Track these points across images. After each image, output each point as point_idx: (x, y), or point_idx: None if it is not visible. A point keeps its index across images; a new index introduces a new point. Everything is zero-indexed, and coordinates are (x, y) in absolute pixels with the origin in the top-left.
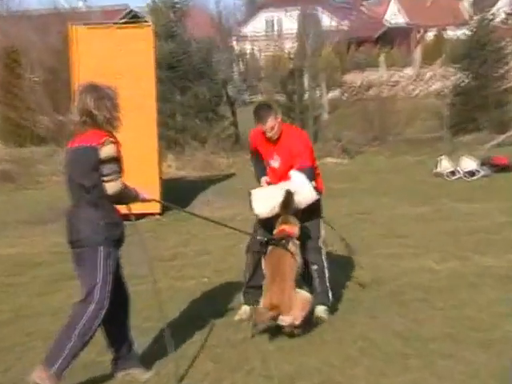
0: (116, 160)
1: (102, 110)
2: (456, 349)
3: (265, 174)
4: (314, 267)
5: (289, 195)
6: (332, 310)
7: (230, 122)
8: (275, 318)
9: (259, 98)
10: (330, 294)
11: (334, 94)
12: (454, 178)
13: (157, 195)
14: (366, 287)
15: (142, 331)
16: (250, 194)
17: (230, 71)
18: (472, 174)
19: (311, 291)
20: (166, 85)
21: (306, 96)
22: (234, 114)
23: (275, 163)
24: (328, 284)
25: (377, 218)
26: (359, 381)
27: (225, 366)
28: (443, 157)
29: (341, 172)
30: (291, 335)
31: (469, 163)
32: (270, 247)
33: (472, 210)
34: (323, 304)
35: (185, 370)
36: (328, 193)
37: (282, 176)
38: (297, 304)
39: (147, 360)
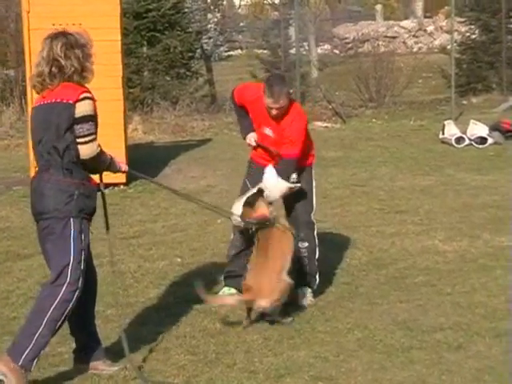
0: (93, 119)
1: (70, 59)
2: (466, 340)
3: (252, 130)
4: (305, 244)
5: (260, 192)
6: (325, 296)
7: (205, 80)
8: (248, 303)
9: (238, 52)
10: (318, 277)
11: (324, 48)
12: (461, 145)
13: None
14: (363, 270)
15: (105, 319)
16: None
17: (204, 21)
18: (482, 140)
19: (296, 270)
20: (132, 36)
21: (293, 51)
22: (209, 70)
23: (268, 132)
24: (316, 265)
25: (374, 191)
26: (356, 376)
27: (202, 359)
28: (449, 121)
29: (332, 138)
30: (271, 322)
31: (478, 128)
32: (259, 233)
33: (482, 182)
34: (309, 285)
35: (156, 363)
36: (318, 162)
37: (272, 144)
38: (277, 288)
39: (113, 352)
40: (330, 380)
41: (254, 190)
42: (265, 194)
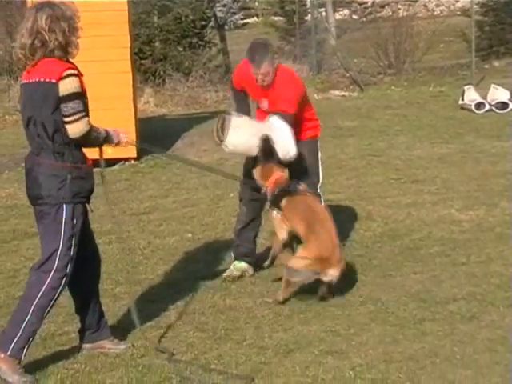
0: (79, 96)
1: (54, 33)
2: (480, 310)
3: (247, 114)
4: None
5: (266, 141)
6: None
7: (219, 50)
8: (318, 273)
9: (254, 20)
10: None
11: (343, 14)
12: (481, 111)
13: (133, 138)
14: (377, 242)
15: (113, 297)
16: (223, 119)
17: None
18: (503, 105)
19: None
20: (142, 5)
21: (309, 17)
22: (223, 39)
23: (264, 106)
24: None
25: (391, 161)
26: (367, 350)
27: (211, 336)
28: (469, 86)
29: (349, 107)
30: (322, 299)
31: (499, 93)
32: (284, 200)
33: (502, 148)
34: None
35: (164, 340)
36: (334, 131)
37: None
38: (341, 256)
39: (120, 330)
40: (341, 354)
41: (260, 143)
42: (277, 147)
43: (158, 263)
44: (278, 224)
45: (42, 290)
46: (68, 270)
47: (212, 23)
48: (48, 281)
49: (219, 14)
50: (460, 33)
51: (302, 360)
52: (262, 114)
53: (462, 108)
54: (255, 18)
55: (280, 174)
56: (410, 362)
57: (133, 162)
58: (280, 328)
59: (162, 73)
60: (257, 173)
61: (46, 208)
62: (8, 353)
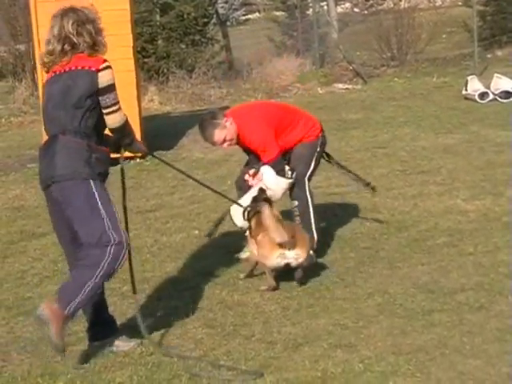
0: (114, 88)
1: (82, 35)
2: (488, 300)
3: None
4: (295, 203)
5: (261, 192)
6: (344, 261)
7: (222, 46)
8: (284, 256)
9: (256, 15)
10: (316, 235)
11: (345, 7)
12: (485, 100)
13: (138, 136)
14: (384, 234)
15: (121, 295)
16: (229, 212)
17: None
18: (506, 94)
19: None
20: (144, 4)
21: (310, 11)
22: (225, 35)
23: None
24: (313, 223)
25: (396, 152)
26: (375, 342)
27: (219, 332)
28: (472, 76)
29: (353, 100)
30: (302, 283)
31: (502, 82)
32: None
33: (507, 137)
34: None
35: (173, 337)
36: (339, 124)
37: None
38: (304, 239)
39: (129, 328)
40: (350, 347)
41: (255, 192)
42: (268, 193)
43: (165, 260)
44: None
45: (107, 260)
46: (125, 241)
47: (214, 20)
48: (111, 253)
49: (221, 11)
50: (462, 23)
51: (311, 354)
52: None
53: (466, 98)
54: (257, 14)
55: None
56: (419, 354)
57: (138, 160)
58: (288, 322)
59: (165, 70)
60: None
61: (69, 185)
62: (66, 311)
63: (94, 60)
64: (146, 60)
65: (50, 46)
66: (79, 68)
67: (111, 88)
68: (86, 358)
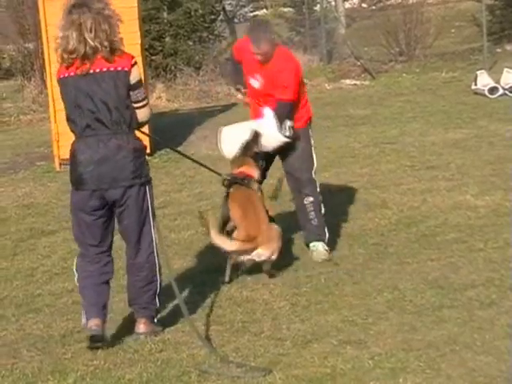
0: (142, 83)
1: (99, 38)
2: (498, 296)
3: (241, 82)
4: (310, 199)
5: (255, 137)
6: (353, 258)
7: (229, 43)
8: (250, 252)
9: (263, 12)
10: (327, 230)
11: (352, 3)
12: (494, 95)
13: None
14: (393, 229)
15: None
16: (219, 132)
17: None
18: None
19: (304, 227)
20: (151, 1)
21: (318, 7)
22: (232, 32)
23: (255, 83)
24: (324, 220)
25: (405, 148)
26: (385, 338)
27: (228, 329)
28: (482, 71)
29: (361, 95)
30: (271, 276)
31: None
32: (232, 188)
33: None
34: (320, 239)
35: (181, 334)
36: (347, 120)
37: (259, 97)
38: (273, 235)
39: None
40: (359, 344)
41: (249, 133)
42: (259, 140)
43: (173, 257)
44: (223, 201)
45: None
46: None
47: (221, 17)
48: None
49: (228, 8)
50: (471, 17)
51: (320, 351)
52: (252, 91)
53: (475, 93)
54: (264, 10)
55: (248, 169)
56: (429, 350)
57: (146, 157)
58: (297, 319)
59: (172, 68)
60: (232, 160)
61: (130, 188)
62: (155, 320)
63: (124, 57)
64: (153, 57)
65: (71, 46)
66: (111, 69)
67: (140, 83)
68: (95, 355)
